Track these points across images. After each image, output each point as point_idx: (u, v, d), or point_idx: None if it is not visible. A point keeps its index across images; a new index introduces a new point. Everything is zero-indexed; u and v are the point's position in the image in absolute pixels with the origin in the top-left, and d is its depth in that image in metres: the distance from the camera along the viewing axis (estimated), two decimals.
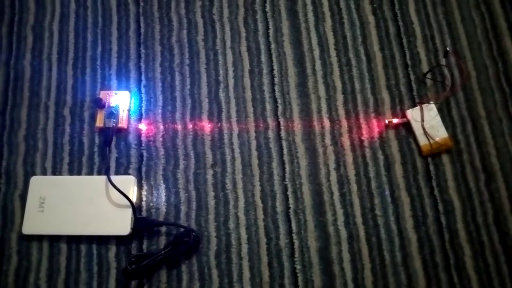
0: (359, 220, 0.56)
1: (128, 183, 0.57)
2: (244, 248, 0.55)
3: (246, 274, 0.54)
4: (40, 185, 0.58)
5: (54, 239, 0.57)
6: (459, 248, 0.54)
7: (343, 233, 0.55)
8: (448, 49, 0.61)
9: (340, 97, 0.61)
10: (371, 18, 0.64)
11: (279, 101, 0.61)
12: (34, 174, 0.59)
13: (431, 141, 0.57)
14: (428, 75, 0.60)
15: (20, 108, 0.63)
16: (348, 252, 0.54)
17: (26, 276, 0.56)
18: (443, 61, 0.61)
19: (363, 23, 0.64)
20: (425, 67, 0.61)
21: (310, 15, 0.64)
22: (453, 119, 0.59)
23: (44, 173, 0.60)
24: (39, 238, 0.57)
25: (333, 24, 0.64)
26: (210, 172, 0.58)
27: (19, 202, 0.59)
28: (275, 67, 0.62)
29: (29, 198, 0.57)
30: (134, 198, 0.57)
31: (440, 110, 0.58)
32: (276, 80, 0.62)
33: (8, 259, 0.57)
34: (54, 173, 0.60)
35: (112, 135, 0.60)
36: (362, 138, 0.59)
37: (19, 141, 0.61)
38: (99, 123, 0.60)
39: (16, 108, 0.63)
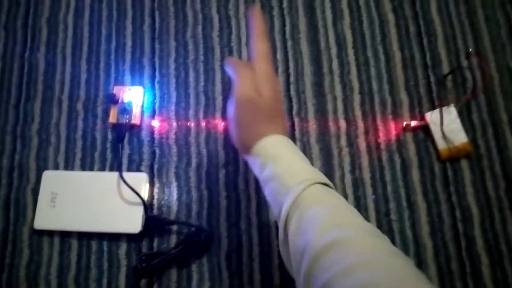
0: (373, 224, 0.54)
1: (140, 181, 0.57)
2: (255, 249, 0.55)
3: (257, 276, 0.54)
4: (52, 180, 0.58)
5: (65, 235, 0.57)
6: (476, 257, 0.53)
7: None
8: (470, 50, 0.59)
9: (357, 98, 0.59)
10: (391, 16, 0.62)
11: (294, 100, 0.60)
12: (46, 168, 0.59)
13: (450, 145, 0.55)
14: (449, 77, 0.59)
15: (33, 101, 0.63)
16: None
17: (37, 271, 0.56)
18: (464, 63, 0.59)
19: (383, 21, 0.62)
20: (445, 69, 0.59)
21: (328, 12, 0.63)
22: (473, 123, 0.57)
23: (56, 167, 0.60)
24: (50, 233, 0.57)
25: (352, 22, 0.62)
26: (222, 172, 0.58)
27: (31, 196, 0.59)
28: (291, 65, 0.61)
29: (41, 193, 0.57)
30: (145, 196, 0.56)
31: (460, 114, 0.57)
32: (292, 78, 0.60)
33: (20, 253, 0.57)
34: (66, 168, 0.60)
35: (125, 132, 0.59)
36: (379, 140, 0.57)
37: (32, 135, 0.61)
38: (112, 119, 0.60)
39: (29, 102, 0.63)
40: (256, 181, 0.56)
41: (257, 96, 0.45)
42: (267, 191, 0.44)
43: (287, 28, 0.62)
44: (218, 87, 0.61)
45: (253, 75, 0.47)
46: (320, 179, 0.42)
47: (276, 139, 0.45)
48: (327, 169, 0.57)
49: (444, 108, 0.56)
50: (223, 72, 0.61)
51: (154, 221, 0.55)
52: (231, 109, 0.47)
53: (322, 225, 0.36)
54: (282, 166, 0.43)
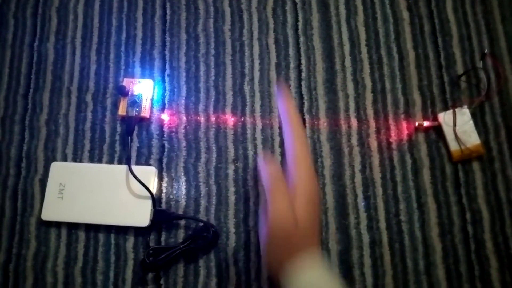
0: (382, 225, 0.54)
1: (149, 174, 0.56)
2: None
3: (264, 273, 0.53)
4: (61, 172, 0.58)
5: (72, 227, 0.57)
6: (485, 260, 0.52)
7: (366, 237, 0.54)
8: (485, 51, 0.58)
9: (369, 96, 0.58)
10: (405, 14, 0.61)
11: (305, 97, 0.59)
12: (54, 159, 0.59)
13: (462, 147, 0.55)
14: (463, 78, 0.58)
15: (42, 91, 0.62)
16: (370, 257, 0.53)
17: (44, 262, 0.56)
18: (479, 64, 0.58)
19: (397, 19, 0.61)
20: (460, 69, 0.59)
21: (342, 8, 0.62)
22: (486, 125, 0.56)
23: (64, 159, 0.59)
24: (58, 224, 0.57)
25: (366, 19, 0.61)
26: (231, 167, 0.57)
27: (39, 187, 0.58)
28: (303, 61, 0.60)
29: (49, 184, 0.57)
30: (154, 190, 0.56)
31: (473, 115, 0.56)
32: (304, 75, 0.60)
33: (27, 244, 0.57)
34: (74, 159, 0.59)
35: (134, 124, 0.59)
36: (390, 140, 0.57)
37: (40, 126, 0.61)
38: (122, 111, 0.59)
39: (38, 92, 0.62)
40: None
41: (293, 225, 0.41)
42: None
43: (300, 24, 0.62)
44: (229, 82, 0.60)
45: (288, 197, 0.42)
46: None
47: (311, 276, 0.40)
48: (337, 168, 0.56)
49: (457, 109, 0.56)
50: (234, 66, 0.61)
51: (162, 215, 0.55)
52: (263, 231, 0.43)
53: None
54: None
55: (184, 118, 0.59)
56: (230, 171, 0.57)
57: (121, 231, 0.56)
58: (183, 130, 0.59)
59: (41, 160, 0.59)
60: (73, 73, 0.62)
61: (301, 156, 0.44)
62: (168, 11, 0.64)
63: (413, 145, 0.56)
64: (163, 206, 0.57)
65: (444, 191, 0.55)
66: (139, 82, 0.60)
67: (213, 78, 0.61)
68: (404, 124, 0.57)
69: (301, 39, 0.61)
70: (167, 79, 0.61)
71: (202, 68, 0.61)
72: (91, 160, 0.59)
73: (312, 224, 0.43)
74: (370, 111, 0.58)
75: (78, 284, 0.55)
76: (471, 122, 0.55)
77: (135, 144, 0.59)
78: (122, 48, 0.63)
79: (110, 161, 0.59)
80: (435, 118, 0.57)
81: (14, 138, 0.61)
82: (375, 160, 0.56)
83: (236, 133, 0.58)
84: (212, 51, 0.62)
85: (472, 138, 0.55)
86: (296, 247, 0.41)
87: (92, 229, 0.56)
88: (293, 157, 0.44)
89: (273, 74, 0.60)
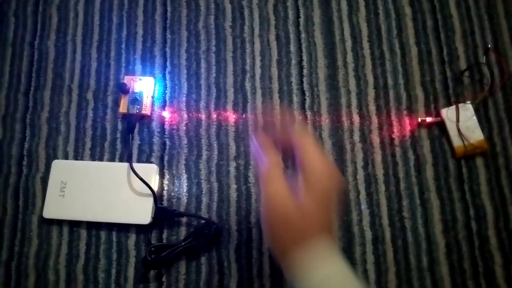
0: (385, 221, 0.54)
1: (150, 172, 0.56)
2: (265, 243, 0.54)
3: (266, 270, 0.53)
4: (62, 169, 0.58)
5: (74, 224, 0.57)
6: (489, 256, 0.52)
7: (368, 234, 0.53)
8: (489, 46, 0.57)
9: (371, 92, 0.58)
10: (408, 10, 0.61)
11: (307, 93, 0.59)
12: (56, 157, 0.59)
13: (466, 142, 0.54)
14: (466, 73, 0.57)
15: (43, 90, 0.62)
16: (372, 254, 0.53)
17: (46, 260, 0.56)
18: (482, 59, 0.58)
19: (399, 15, 0.60)
20: (463, 64, 0.58)
21: (344, 4, 0.61)
22: (490, 120, 0.56)
23: (65, 157, 0.59)
24: (59, 222, 0.57)
25: (368, 15, 0.61)
26: (233, 164, 0.57)
27: (41, 185, 0.58)
28: (305, 57, 0.60)
29: (51, 182, 0.57)
30: (155, 187, 0.56)
31: (476, 111, 0.55)
32: (305, 71, 0.59)
33: (29, 242, 0.57)
34: (76, 157, 0.59)
35: (135, 122, 0.58)
36: (393, 136, 0.56)
37: (41, 124, 0.61)
38: (123, 109, 0.59)
39: (39, 90, 0.62)
40: None
41: (292, 207, 0.37)
42: None
43: (301, 20, 0.61)
44: (230, 79, 0.60)
45: (285, 181, 0.38)
46: None
47: (327, 270, 0.36)
48: (340, 165, 0.56)
49: (460, 105, 0.55)
50: (235, 63, 0.60)
51: (163, 212, 0.55)
52: (262, 214, 0.39)
53: None
54: None
55: (185, 116, 0.59)
56: (232, 168, 0.57)
57: (123, 228, 0.56)
58: (184, 128, 0.59)
59: (43, 158, 0.59)
60: (74, 71, 0.62)
61: (313, 152, 0.40)
62: (168, 8, 0.63)
63: (416, 141, 0.56)
64: (165, 203, 0.56)
65: (447, 187, 0.54)
66: (140, 79, 0.60)
67: (214, 75, 0.60)
68: (406, 120, 0.57)
69: (303, 35, 0.61)
70: (168, 76, 0.61)
71: (203, 65, 0.61)
72: (92, 158, 0.59)
73: (323, 212, 0.38)
74: (372, 107, 0.58)
75: (80, 282, 0.55)
76: (475, 117, 0.55)
77: (136, 142, 0.59)
78: (123, 46, 0.63)
79: (111, 159, 0.59)
80: (438, 114, 0.56)
81: (15, 136, 0.61)
82: (378, 157, 0.56)
83: (238, 130, 0.58)
84: (213, 48, 0.61)
85: (475, 134, 0.54)
86: (301, 233, 0.37)
87: (94, 227, 0.56)
88: (304, 153, 0.39)
89: (274, 71, 0.60)
